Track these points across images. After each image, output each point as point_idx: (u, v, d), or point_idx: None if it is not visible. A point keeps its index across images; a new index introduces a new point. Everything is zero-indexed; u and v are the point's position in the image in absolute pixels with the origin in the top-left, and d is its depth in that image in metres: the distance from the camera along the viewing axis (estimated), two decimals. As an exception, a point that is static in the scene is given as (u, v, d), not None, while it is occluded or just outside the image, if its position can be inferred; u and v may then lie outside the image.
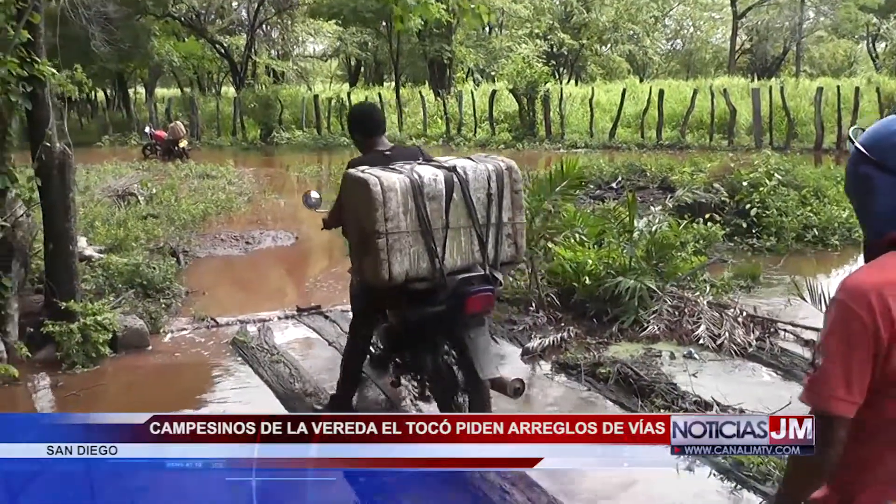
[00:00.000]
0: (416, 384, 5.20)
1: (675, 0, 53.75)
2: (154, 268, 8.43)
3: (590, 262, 7.44)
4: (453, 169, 4.46)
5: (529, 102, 27.06)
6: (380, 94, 30.40)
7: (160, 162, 21.73)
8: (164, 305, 7.84)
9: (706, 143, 24.21)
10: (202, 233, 11.66)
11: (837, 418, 1.84)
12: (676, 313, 6.95)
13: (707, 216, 9.93)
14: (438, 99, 32.29)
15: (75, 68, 22.35)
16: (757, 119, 23.75)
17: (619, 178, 14.68)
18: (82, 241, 9.41)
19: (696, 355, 6.37)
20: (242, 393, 5.99)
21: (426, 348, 4.78)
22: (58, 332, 6.43)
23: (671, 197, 10.49)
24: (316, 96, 30.93)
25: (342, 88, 47.30)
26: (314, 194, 5.37)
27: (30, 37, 6.26)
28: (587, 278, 7.33)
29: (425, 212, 4.33)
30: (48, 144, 6.50)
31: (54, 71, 6.52)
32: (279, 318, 7.75)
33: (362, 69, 57.17)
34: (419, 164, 4.55)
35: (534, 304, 7.42)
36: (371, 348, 5.29)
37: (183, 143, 23.41)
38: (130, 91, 42.87)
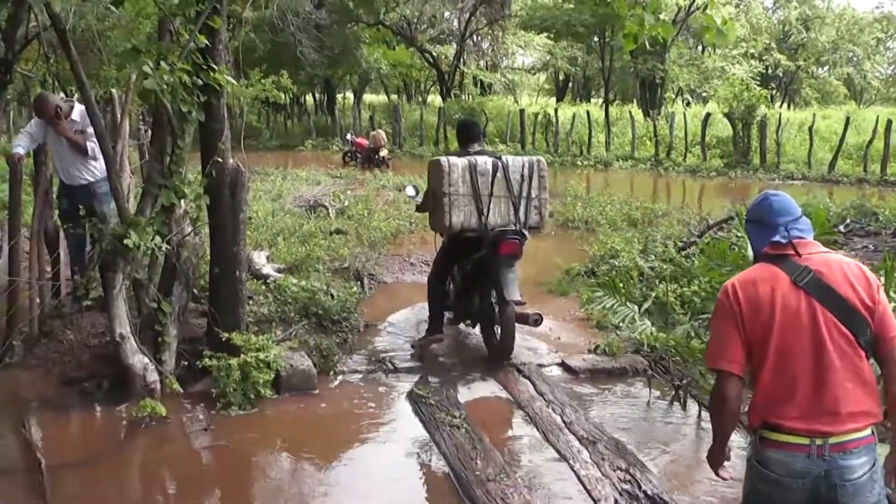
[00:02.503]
0: (469, 320, 7.39)
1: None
2: (333, 295, 7.70)
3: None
4: (499, 157, 6.77)
5: (745, 127, 25.03)
6: (588, 112, 29.16)
7: (358, 170, 21.63)
8: (338, 340, 7.09)
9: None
10: (392, 253, 10.98)
11: (721, 371, 2.96)
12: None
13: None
14: (648, 119, 30.87)
15: (281, 74, 22.75)
16: None
17: (848, 221, 12.79)
18: (262, 258, 8.92)
19: None
20: (410, 465, 5.13)
21: (476, 290, 7.01)
22: (215, 367, 5.77)
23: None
24: (522, 110, 30.11)
25: (548, 103, 46.56)
26: (410, 189, 8.61)
27: (207, 42, 5.62)
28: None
29: (476, 183, 6.57)
30: (220, 160, 5.87)
31: (231, 80, 5.86)
32: (467, 369, 6.79)
33: (570, 84, 56.30)
34: (479, 152, 6.88)
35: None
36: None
37: (383, 152, 23.27)
38: (338, 96, 43.97)
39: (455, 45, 40.55)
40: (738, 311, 2.93)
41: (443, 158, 6.68)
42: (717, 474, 3.22)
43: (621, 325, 6.00)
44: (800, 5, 49.06)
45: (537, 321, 6.77)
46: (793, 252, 3.00)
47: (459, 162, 6.59)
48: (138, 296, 5.93)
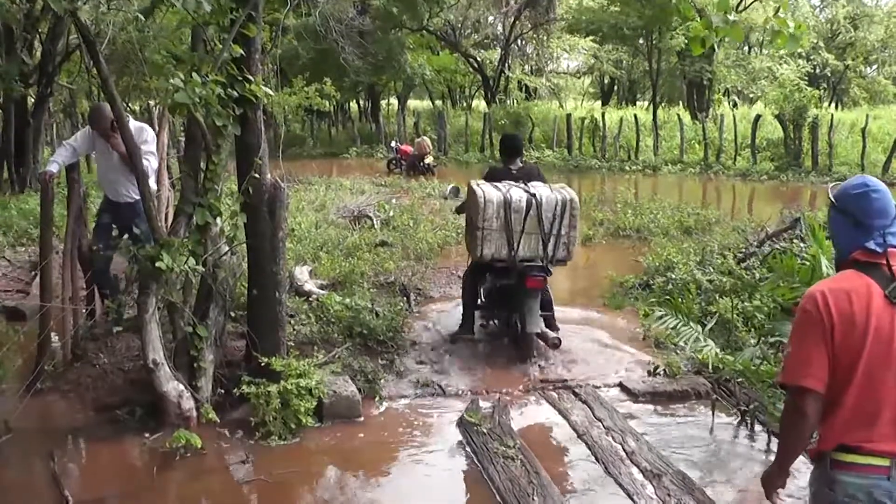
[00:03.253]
0: (496, 324, 7.77)
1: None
2: (378, 314, 7.38)
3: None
4: (534, 195, 6.97)
5: (796, 129, 24.22)
6: (635, 116, 28.52)
7: (403, 178, 21.37)
8: (384, 362, 6.75)
9: None
10: (439, 266, 10.65)
11: (802, 389, 2.71)
12: None
13: None
14: (696, 122, 30.20)
15: (325, 81, 22.60)
16: None
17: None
18: (304, 274, 8.65)
19: None
20: (461, 502, 4.74)
21: (503, 306, 7.49)
22: (254, 395, 5.46)
23: None
24: (569, 115, 29.58)
25: (594, 107, 46.03)
26: (450, 189, 11.68)
27: (242, 52, 5.31)
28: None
29: (510, 219, 6.90)
30: (257, 176, 5.55)
31: (269, 91, 5.54)
32: (520, 392, 6.41)
33: (615, 87, 55.66)
34: (515, 186, 7.13)
35: None
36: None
37: (428, 160, 23.04)
38: (382, 103, 43.82)
39: (500, 50, 40.19)
40: (827, 323, 2.71)
41: (478, 189, 7.04)
42: (769, 498, 3.00)
43: (684, 345, 5.59)
44: (848, 3, 47.89)
45: (556, 344, 7.11)
46: (885, 262, 2.77)
47: (495, 198, 6.92)
48: (173, 319, 5.65)
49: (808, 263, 5.58)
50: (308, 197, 15.67)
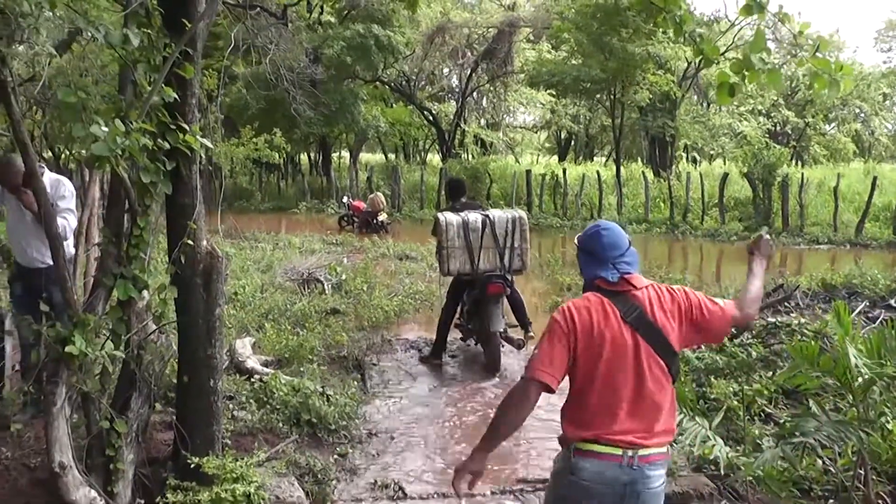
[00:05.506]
0: (474, 340, 9.27)
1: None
2: (329, 398, 6.65)
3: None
4: (487, 216, 8.71)
5: (765, 188, 24.09)
6: (598, 173, 28.28)
7: (356, 236, 20.87)
8: (336, 456, 6.00)
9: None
10: (397, 336, 10.02)
11: (539, 382, 3.30)
12: None
13: None
14: (659, 179, 30.14)
15: (274, 132, 21.94)
16: None
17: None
18: (246, 347, 7.90)
19: None
20: None
21: (476, 315, 8.86)
22: (181, 504, 4.66)
23: None
24: (528, 171, 29.28)
25: (551, 162, 46.15)
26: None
27: (176, 96, 4.63)
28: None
29: (469, 237, 8.58)
30: (191, 243, 4.83)
31: (208, 144, 4.87)
32: (492, 494, 5.68)
33: (573, 142, 55.96)
34: (472, 212, 8.80)
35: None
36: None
37: (382, 216, 22.70)
38: (334, 156, 43.31)
39: (455, 103, 40.11)
40: (571, 334, 3.36)
41: (441, 217, 8.75)
42: (455, 485, 3.47)
43: (692, 445, 4.96)
44: (807, 61, 48.75)
45: (521, 345, 9.03)
46: (622, 287, 3.47)
47: (455, 220, 8.64)
48: (87, 411, 4.85)
49: (828, 353, 5.06)
50: (254, 256, 15.08)
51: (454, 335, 9.47)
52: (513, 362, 8.95)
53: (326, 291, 11.81)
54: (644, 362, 3.37)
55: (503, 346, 8.88)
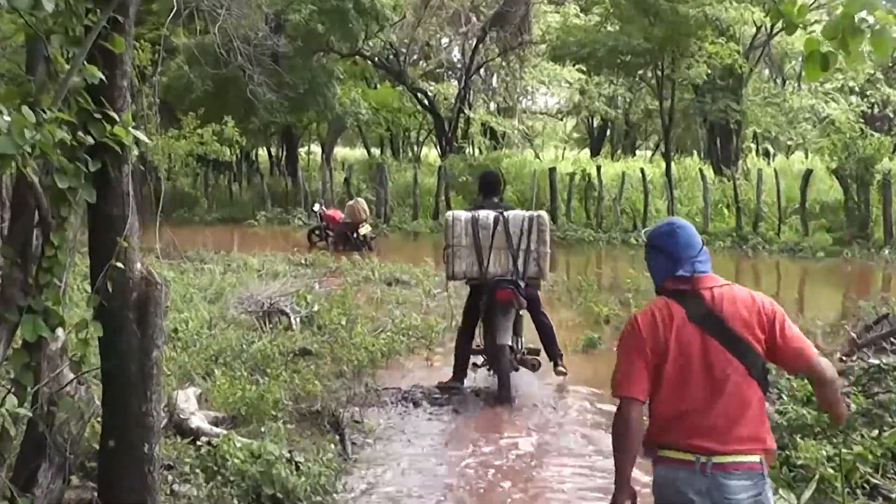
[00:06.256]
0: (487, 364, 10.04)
1: None
2: (299, 466, 6.62)
3: None
4: (501, 212, 9.54)
5: (861, 188, 23.92)
6: (642, 171, 28.24)
7: (331, 254, 21.01)
8: (308, 544, 5.97)
9: None
10: (384, 386, 10.05)
11: (627, 398, 3.93)
12: None
13: None
14: (721, 178, 30.33)
15: (225, 121, 22.08)
16: None
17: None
18: (191, 400, 7.92)
19: None
20: None
21: (486, 330, 9.72)
22: None
23: None
24: (552, 169, 29.30)
25: (581, 158, 46.14)
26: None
27: (103, 76, 4.60)
28: None
29: (478, 236, 9.40)
30: (121, 266, 4.79)
31: (143, 137, 4.85)
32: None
33: (608, 132, 56.04)
34: (495, 205, 9.90)
35: None
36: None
37: (365, 229, 22.89)
38: (302, 151, 43.51)
39: (458, 83, 40.21)
40: (640, 340, 3.96)
41: (449, 213, 9.91)
42: None
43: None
44: (912, 23, 48.83)
45: (535, 366, 9.94)
46: (692, 286, 4.03)
47: (463, 216, 9.58)
48: (-18, 487, 4.82)
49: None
50: (200, 281, 15.22)
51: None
52: (535, 392, 9.66)
53: (294, 326, 11.86)
54: (716, 364, 3.88)
55: (517, 369, 9.77)
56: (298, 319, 12.17)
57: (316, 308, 12.62)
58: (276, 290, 13.73)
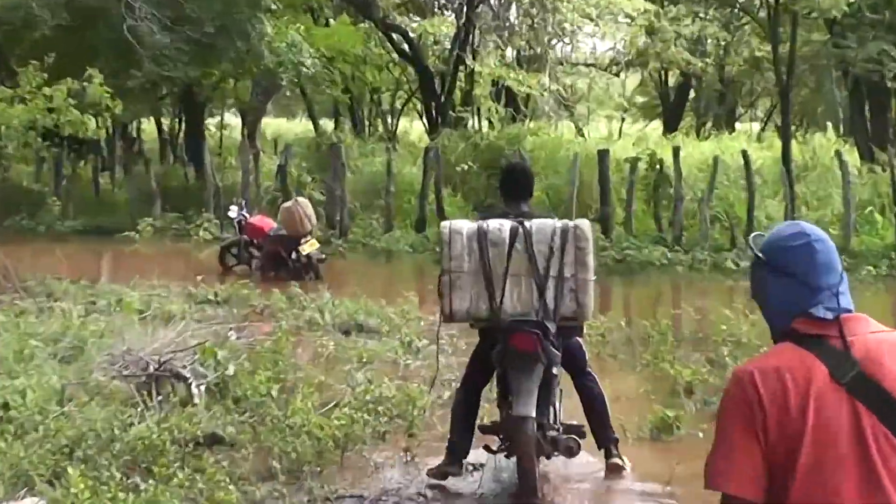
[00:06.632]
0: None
1: None
2: None
3: None
4: (520, 222, 9.41)
5: None
6: (744, 154, 28.21)
7: (257, 285, 21.02)
8: None
9: None
10: (337, 493, 10.05)
11: (728, 497, 3.72)
12: None
13: None
14: (873, 165, 30.87)
15: (87, 77, 22.20)
16: None
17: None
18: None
19: None
20: None
21: (500, 395, 9.99)
22: None
23: None
24: (603, 153, 29.27)
25: (647, 135, 46.28)
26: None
27: None
28: None
29: (487, 257, 9.32)
30: None
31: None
32: None
33: (691, 95, 56.18)
34: (523, 214, 9.79)
35: None
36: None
37: (309, 246, 22.86)
38: (210, 123, 43.51)
39: (455, 17, 40.30)
40: (758, 411, 3.71)
41: (445, 224, 9.78)
42: None
43: None
44: None
45: (571, 449, 9.60)
46: (834, 333, 3.77)
47: (465, 228, 9.47)
48: None
49: None
50: (46, 330, 15.05)
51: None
52: (575, 492, 9.71)
53: (196, 399, 11.81)
54: (873, 449, 3.64)
55: (548, 455, 9.63)
56: (203, 388, 12.16)
57: (231, 371, 12.59)
58: (169, 342, 13.75)
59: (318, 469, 10.46)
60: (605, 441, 9.84)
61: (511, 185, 10.21)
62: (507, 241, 9.18)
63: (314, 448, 10.61)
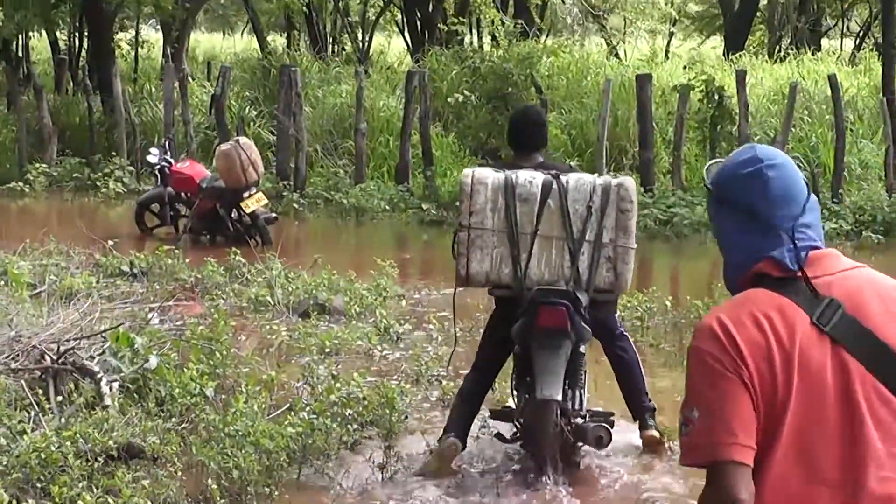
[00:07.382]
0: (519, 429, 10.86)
1: None
2: None
3: None
4: (556, 175, 10.25)
5: None
6: (832, 83, 28.23)
7: (183, 250, 21.12)
8: None
9: None
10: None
11: (729, 464, 3.88)
12: None
13: None
14: None
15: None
16: None
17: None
18: None
19: None
20: None
21: (521, 375, 10.78)
22: None
23: None
24: (644, 77, 29.45)
25: (704, 56, 46.57)
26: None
27: None
28: None
29: (514, 213, 10.12)
30: None
31: None
32: None
33: (760, 4, 56.36)
34: (540, 166, 10.85)
35: None
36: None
37: (255, 202, 22.80)
38: (122, 38, 43.59)
39: None
40: (740, 363, 3.92)
41: (467, 171, 10.52)
42: None
43: None
44: None
45: (601, 439, 10.26)
46: (808, 273, 4.04)
47: (490, 179, 10.21)
48: None
49: None
50: None
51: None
52: (603, 471, 10.42)
53: (107, 400, 11.88)
54: (862, 403, 3.96)
55: (570, 440, 10.33)
56: (116, 386, 12.26)
57: (153, 364, 12.67)
58: (71, 326, 13.83)
59: (267, 490, 10.57)
60: (642, 411, 10.68)
61: (520, 133, 11.02)
62: (539, 196, 9.86)
63: (262, 464, 10.74)
